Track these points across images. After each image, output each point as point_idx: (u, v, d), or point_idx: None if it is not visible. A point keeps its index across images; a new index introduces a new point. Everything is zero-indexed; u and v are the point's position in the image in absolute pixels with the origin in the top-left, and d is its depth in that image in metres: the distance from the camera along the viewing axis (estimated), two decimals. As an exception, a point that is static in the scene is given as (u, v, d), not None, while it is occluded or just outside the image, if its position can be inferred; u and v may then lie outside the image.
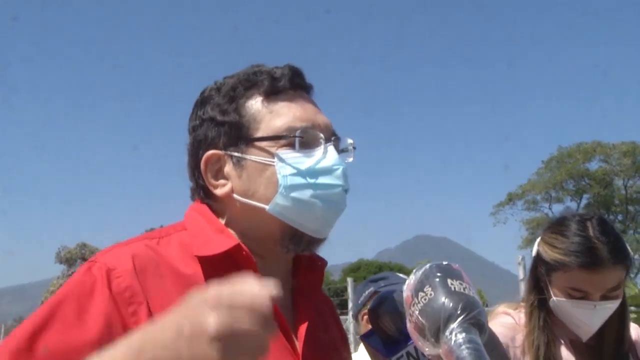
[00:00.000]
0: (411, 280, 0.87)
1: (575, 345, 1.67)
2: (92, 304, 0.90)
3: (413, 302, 0.84)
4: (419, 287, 0.84)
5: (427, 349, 0.82)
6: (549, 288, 1.64)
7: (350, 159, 1.11)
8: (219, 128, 1.07)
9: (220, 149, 1.07)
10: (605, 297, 1.57)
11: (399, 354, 1.02)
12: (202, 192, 1.11)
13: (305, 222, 1.03)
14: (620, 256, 1.57)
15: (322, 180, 1.03)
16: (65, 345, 0.85)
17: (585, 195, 37.41)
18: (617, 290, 1.59)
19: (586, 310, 1.57)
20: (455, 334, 0.78)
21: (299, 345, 1.02)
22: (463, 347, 0.76)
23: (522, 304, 1.76)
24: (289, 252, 1.06)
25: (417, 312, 0.83)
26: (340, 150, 1.10)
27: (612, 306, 1.59)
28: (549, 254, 1.63)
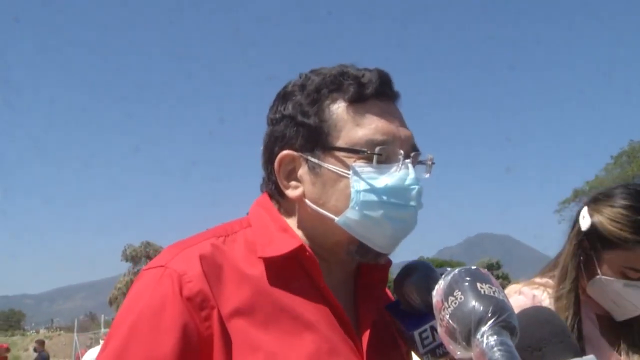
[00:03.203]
0: (440, 285, 0.87)
1: (601, 320, 1.57)
2: (165, 315, 0.92)
3: (443, 306, 0.84)
4: (448, 292, 0.85)
5: (458, 353, 0.82)
6: (596, 265, 1.52)
7: (427, 175, 1.09)
8: (297, 128, 1.05)
9: (296, 150, 1.05)
10: None
11: (422, 328, 0.99)
12: (274, 187, 1.10)
13: (373, 238, 1.02)
14: None
15: (395, 199, 1.01)
16: None
17: (660, 192, 35.51)
18: None
19: (639, 292, 1.47)
20: (487, 337, 0.78)
21: (363, 345, 1.03)
22: (495, 349, 0.76)
23: (537, 279, 1.65)
24: (354, 261, 1.07)
25: (447, 317, 0.83)
26: (418, 162, 1.07)
27: None
28: (609, 230, 1.49)
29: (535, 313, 1.47)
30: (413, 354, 1.11)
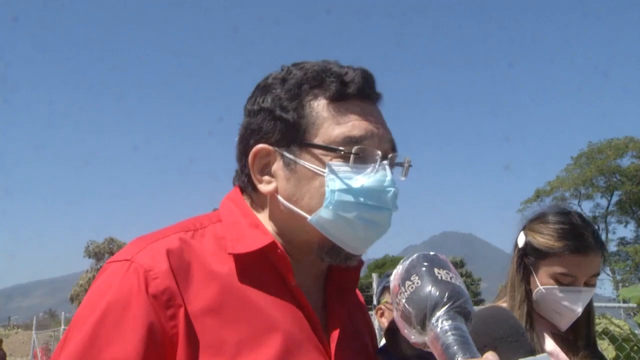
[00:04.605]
0: (398, 270, 0.88)
1: (555, 339, 1.75)
2: (130, 313, 0.89)
3: (400, 290, 0.85)
4: (406, 277, 0.85)
5: (413, 337, 0.83)
6: (535, 278, 1.75)
7: (403, 178, 1.07)
8: (275, 122, 1.03)
9: (272, 145, 1.03)
10: (586, 284, 1.72)
11: None
12: (247, 180, 1.08)
13: (345, 239, 1.01)
14: (602, 244, 1.75)
15: (371, 201, 0.99)
16: None
17: (617, 192, 36.68)
18: (596, 278, 1.75)
19: (573, 295, 1.70)
20: (442, 321, 0.79)
21: (331, 346, 1.01)
22: (449, 333, 0.78)
23: (504, 299, 1.82)
24: (324, 262, 1.05)
25: (403, 301, 0.84)
26: (395, 164, 1.06)
27: (591, 294, 1.73)
28: (540, 241, 1.75)
29: (491, 313, 1.58)
30: None
